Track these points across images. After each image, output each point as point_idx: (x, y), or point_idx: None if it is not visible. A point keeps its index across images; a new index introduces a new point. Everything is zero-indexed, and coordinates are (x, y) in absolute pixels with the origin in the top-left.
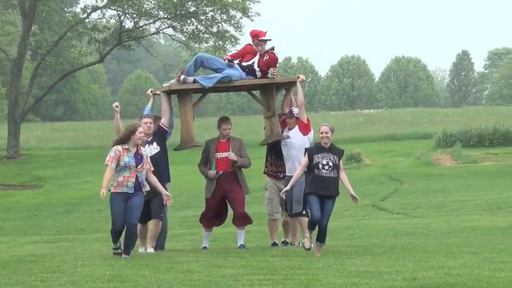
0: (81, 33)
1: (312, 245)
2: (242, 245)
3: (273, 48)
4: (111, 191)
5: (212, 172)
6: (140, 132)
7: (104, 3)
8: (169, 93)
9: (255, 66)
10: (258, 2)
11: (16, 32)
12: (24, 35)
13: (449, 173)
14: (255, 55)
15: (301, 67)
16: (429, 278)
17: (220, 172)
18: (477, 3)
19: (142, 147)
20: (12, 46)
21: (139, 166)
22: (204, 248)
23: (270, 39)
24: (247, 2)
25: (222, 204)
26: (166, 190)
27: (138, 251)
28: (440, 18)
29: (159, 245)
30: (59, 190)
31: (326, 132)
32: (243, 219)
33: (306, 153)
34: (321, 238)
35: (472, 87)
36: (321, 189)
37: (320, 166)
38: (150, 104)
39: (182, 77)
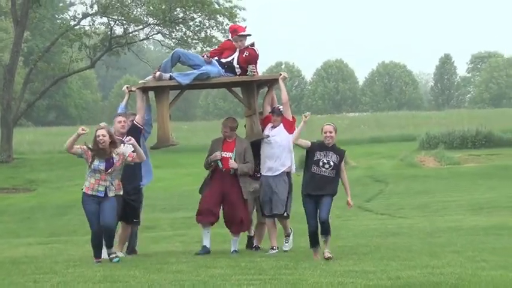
0: (72, 39)
1: (319, 256)
2: (235, 251)
3: (253, 44)
4: (83, 190)
5: (218, 153)
6: (98, 136)
7: (93, 11)
8: (145, 90)
9: (235, 62)
10: (244, 9)
11: (8, 38)
12: (16, 41)
13: (432, 174)
14: (235, 51)
15: (288, 72)
16: (413, 277)
17: (224, 170)
18: (460, 8)
19: (114, 151)
20: (5, 52)
21: (109, 170)
22: (204, 247)
23: (250, 35)
24: (235, 9)
25: (217, 202)
26: (141, 191)
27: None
28: (423, 22)
29: (131, 249)
30: (51, 193)
31: (330, 132)
32: (238, 226)
33: (310, 144)
34: (324, 231)
35: (454, 91)
36: (317, 189)
37: (320, 164)
38: (124, 101)
39: (158, 73)
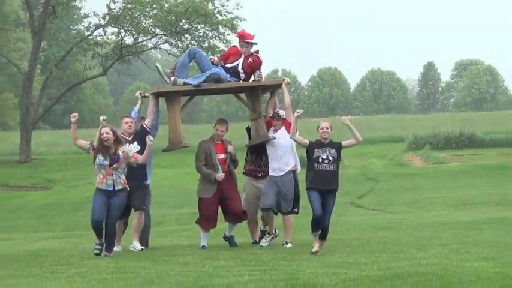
0: (86, 48)
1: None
2: (230, 236)
3: (257, 52)
4: (96, 185)
5: (220, 175)
6: (102, 134)
7: (105, 21)
8: (157, 96)
9: (239, 68)
10: (244, 20)
11: (26, 48)
12: (34, 50)
13: (419, 172)
14: (239, 57)
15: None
16: (402, 268)
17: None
18: (445, 19)
19: (120, 148)
20: (23, 61)
21: (114, 165)
22: (203, 247)
23: (256, 43)
24: (235, 20)
25: (216, 209)
26: (146, 189)
27: (128, 248)
28: (410, 32)
29: (144, 242)
30: (67, 191)
31: (326, 128)
32: (237, 217)
33: (308, 142)
34: (322, 236)
35: (439, 96)
36: (321, 183)
37: (320, 160)
38: (138, 106)
39: (173, 78)
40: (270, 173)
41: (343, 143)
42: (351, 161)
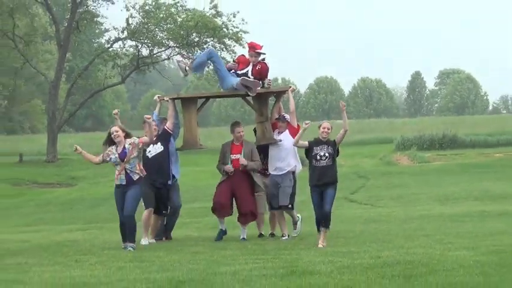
0: (106, 59)
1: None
2: (244, 238)
3: (264, 59)
4: (114, 182)
5: (229, 166)
6: (112, 133)
7: (124, 35)
8: (176, 99)
9: (249, 74)
10: (247, 32)
11: (53, 59)
12: (60, 61)
13: (406, 171)
14: (248, 65)
15: (284, 85)
16: (391, 256)
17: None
18: (430, 32)
19: (127, 141)
20: (50, 70)
21: (124, 160)
22: (221, 230)
23: (265, 54)
24: (240, 33)
25: (228, 197)
26: (169, 187)
27: (148, 242)
28: (398, 43)
29: (169, 228)
30: (89, 187)
31: (328, 129)
32: (247, 217)
33: (308, 144)
34: (324, 223)
35: (424, 101)
36: (320, 179)
37: (318, 157)
38: (157, 109)
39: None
40: (272, 172)
41: (336, 139)
42: (345, 161)
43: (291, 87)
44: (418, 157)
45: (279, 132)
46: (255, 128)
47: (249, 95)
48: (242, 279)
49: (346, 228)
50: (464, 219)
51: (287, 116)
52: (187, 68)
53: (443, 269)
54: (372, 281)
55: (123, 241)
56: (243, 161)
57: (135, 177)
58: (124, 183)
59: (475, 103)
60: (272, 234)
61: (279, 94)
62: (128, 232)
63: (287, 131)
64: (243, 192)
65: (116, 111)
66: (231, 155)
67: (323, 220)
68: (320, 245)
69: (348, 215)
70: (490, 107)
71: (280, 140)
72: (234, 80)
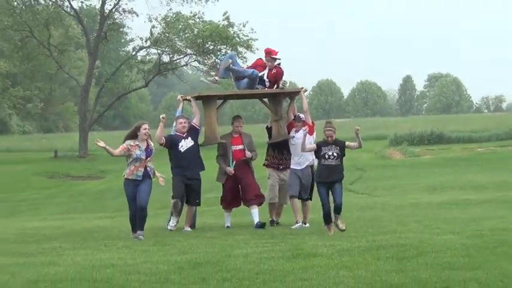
0: (131, 66)
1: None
2: (259, 222)
3: (279, 64)
4: (124, 177)
5: (230, 169)
6: (144, 129)
7: (147, 44)
8: (197, 98)
9: (265, 77)
10: (257, 39)
11: (84, 65)
12: (90, 67)
13: (399, 164)
14: (265, 68)
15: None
16: (385, 240)
17: (234, 162)
18: (419, 39)
19: (151, 142)
20: (81, 76)
21: (148, 158)
22: (228, 227)
23: (280, 59)
24: (251, 41)
25: (237, 189)
26: (200, 177)
27: (183, 230)
28: (389, 51)
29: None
30: (116, 180)
31: (331, 136)
32: (255, 199)
33: (316, 146)
34: (337, 211)
35: (415, 102)
36: (328, 176)
37: (326, 156)
38: (180, 107)
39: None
40: (293, 166)
41: (347, 143)
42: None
43: (303, 88)
44: (409, 152)
45: (296, 131)
46: (267, 126)
47: (265, 96)
48: (253, 261)
49: (345, 215)
50: (451, 207)
51: (302, 116)
52: (216, 78)
53: (432, 251)
54: (369, 262)
55: (133, 231)
56: (248, 154)
57: (152, 175)
58: (140, 178)
59: (460, 103)
60: (277, 223)
61: (293, 95)
62: (139, 221)
63: (302, 129)
64: (247, 180)
65: (163, 115)
66: (232, 146)
67: (336, 209)
68: (341, 227)
69: (346, 203)
70: (473, 107)
71: (293, 137)
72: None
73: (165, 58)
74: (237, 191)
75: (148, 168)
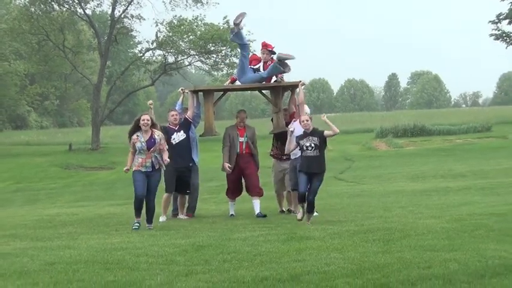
0: (139, 66)
1: (304, 216)
2: (260, 213)
3: (273, 58)
4: (133, 169)
5: (227, 166)
6: (143, 120)
7: (154, 46)
8: (195, 92)
9: (261, 70)
10: (255, 40)
11: (96, 66)
12: (101, 67)
13: (384, 154)
14: (259, 62)
15: None
16: (372, 224)
17: (237, 153)
18: (403, 39)
19: (156, 132)
20: (93, 75)
21: (151, 149)
22: (232, 215)
23: (275, 53)
24: (248, 41)
25: (240, 179)
26: (191, 169)
27: (178, 217)
28: (375, 50)
29: (191, 208)
30: None
31: (307, 120)
32: (256, 191)
33: (296, 142)
34: (308, 209)
35: (399, 97)
36: (308, 168)
37: (305, 148)
38: (180, 100)
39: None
40: (291, 157)
41: (325, 132)
42: (334, 147)
43: (301, 81)
44: (393, 143)
45: (294, 122)
46: (272, 118)
47: (266, 88)
48: (251, 244)
49: (335, 202)
50: (432, 194)
51: (307, 109)
52: (241, 25)
53: (415, 234)
54: (357, 244)
55: (136, 216)
56: (254, 150)
57: (157, 166)
58: (150, 170)
59: (439, 99)
60: (289, 211)
61: (293, 88)
62: (149, 214)
63: (298, 121)
64: (250, 172)
65: (150, 101)
66: (239, 138)
67: (308, 208)
68: (299, 217)
69: (336, 191)
70: (452, 102)
71: (293, 129)
72: (259, 74)
73: (170, 59)
74: (240, 182)
75: (153, 159)
